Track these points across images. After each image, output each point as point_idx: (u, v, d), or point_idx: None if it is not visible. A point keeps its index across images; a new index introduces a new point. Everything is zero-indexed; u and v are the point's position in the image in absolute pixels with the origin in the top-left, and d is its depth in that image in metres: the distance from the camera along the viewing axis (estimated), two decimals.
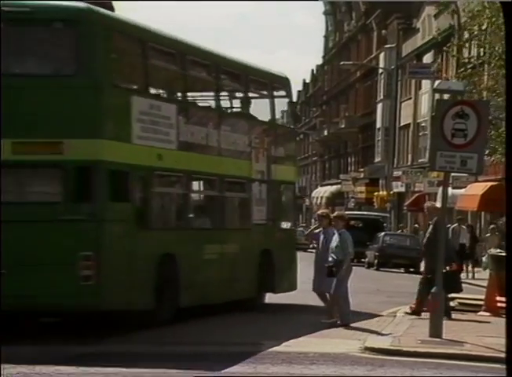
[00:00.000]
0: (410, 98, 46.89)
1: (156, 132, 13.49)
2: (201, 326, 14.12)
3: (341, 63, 53.92)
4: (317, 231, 15.14)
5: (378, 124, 52.66)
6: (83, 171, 12.21)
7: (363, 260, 34.72)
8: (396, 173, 46.11)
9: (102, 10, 12.92)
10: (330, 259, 14.20)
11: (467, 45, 23.61)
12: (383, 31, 53.72)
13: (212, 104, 15.65)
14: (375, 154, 53.31)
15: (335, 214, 15.24)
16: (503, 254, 20.12)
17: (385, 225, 39.85)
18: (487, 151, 19.56)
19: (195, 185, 15.00)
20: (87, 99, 12.33)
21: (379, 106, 52.69)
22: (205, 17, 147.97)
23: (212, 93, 15.73)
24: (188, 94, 15.22)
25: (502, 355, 11.79)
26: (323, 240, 14.79)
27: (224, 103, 16.21)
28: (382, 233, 34.15)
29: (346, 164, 63.71)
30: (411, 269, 31.25)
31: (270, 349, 11.60)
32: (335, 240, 14.26)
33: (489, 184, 31.27)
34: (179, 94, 15.02)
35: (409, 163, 46.22)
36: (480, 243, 29.92)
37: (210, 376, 9.93)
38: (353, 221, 36.67)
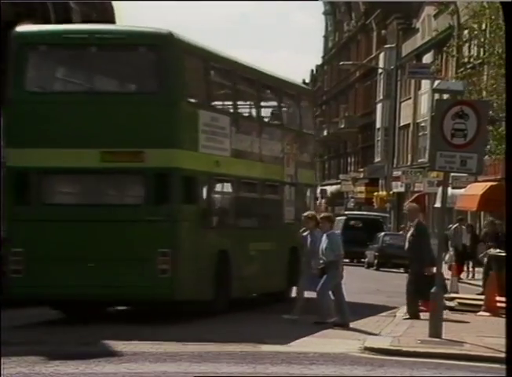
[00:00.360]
0: (409, 98, 46.89)
1: (215, 141, 15.26)
2: (202, 325, 14.15)
3: (341, 63, 53.93)
4: (305, 234, 15.00)
5: (378, 124, 52.67)
6: (161, 177, 13.91)
7: (362, 260, 34.71)
8: (396, 173, 46.11)
9: (179, 35, 14.58)
10: (321, 261, 14.23)
11: (467, 44, 23.62)
12: (383, 31, 53.73)
13: (255, 115, 17.49)
14: (375, 154, 53.32)
15: (322, 215, 15.04)
16: (503, 254, 20.15)
17: (389, 225, 39.86)
18: (487, 151, 19.58)
19: (243, 189, 16.53)
20: (166, 113, 14.07)
21: (379, 106, 52.69)
22: (205, 17, 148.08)
23: (255, 105, 17.50)
24: (238, 107, 16.97)
25: (502, 355, 11.79)
26: (310, 242, 14.80)
27: (264, 114, 18.08)
28: (382, 233, 34.13)
29: (346, 164, 63.71)
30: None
31: (270, 349, 11.61)
32: (324, 242, 14.26)
33: (489, 184, 31.28)
34: (231, 107, 16.62)
35: (409, 163, 46.22)
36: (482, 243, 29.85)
37: (210, 376, 9.93)
38: (353, 221, 36.69)
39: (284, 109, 18.93)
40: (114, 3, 53.04)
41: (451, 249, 26.10)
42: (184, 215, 14.23)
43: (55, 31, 15.05)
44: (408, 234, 15.51)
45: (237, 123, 16.07)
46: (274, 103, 18.40)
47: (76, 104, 13.99)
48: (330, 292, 14.33)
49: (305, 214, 15.25)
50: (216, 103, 16.09)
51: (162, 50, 14.09)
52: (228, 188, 16.08)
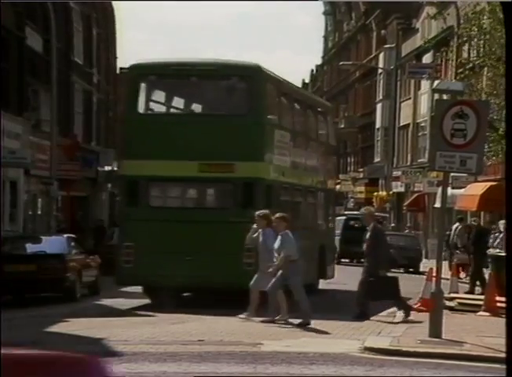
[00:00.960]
0: (409, 98, 46.89)
1: (282, 155, 18.22)
2: (200, 324, 14.15)
3: (341, 63, 53.93)
4: (256, 234, 14.96)
5: (378, 124, 52.67)
6: (248, 185, 16.79)
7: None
8: (396, 173, 46.10)
9: (264, 68, 17.78)
10: (274, 260, 14.20)
11: (466, 45, 23.63)
12: (383, 31, 53.73)
13: (304, 131, 20.41)
14: (375, 154, 53.32)
15: (277, 215, 14.74)
16: (502, 253, 20.17)
17: (389, 225, 39.84)
18: (487, 154, 19.55)
19: (295, 194, 19.38)
20: (253, 132, 17.01)
21: (379, 106, 52.70)
22: (205, 17, 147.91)
23: (305, 124, 20.64)
24: (295, 125, 19.78)
25: (502, 355, 11.79)
26: (262, 241, 14.83)
27: (309, 130, 21.01)
28: None
29: (346, 164, 63.72)
30: (411, 269, 31.24)
31: (270, 349, 11.62)
32: (278, 242, 14.21)
33: (489, 184, 31.26)
34: (290, 125, 19.37)
35: (408, 163, 46.22)
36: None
37: (210, 376, 9.94)
38: (353, 222, 36.65)
39: (318, 124, 21.97)
40: (114, 3, 53.02)
41: (457, 251, 26.13)
42: None
43: (163, 64, 17.76)
44: (366, 237, 15.55)
45: (294, 139, 19.24)
46: (313, 119, 21.39)
47: (179, 123, 17.19)
48: (280, 291, 14.31)
49: (258, 212, 15.14)
50: (282, 122, 18.81)
51: (252, 80, 17.15)
52: (288, 194, 19.00)
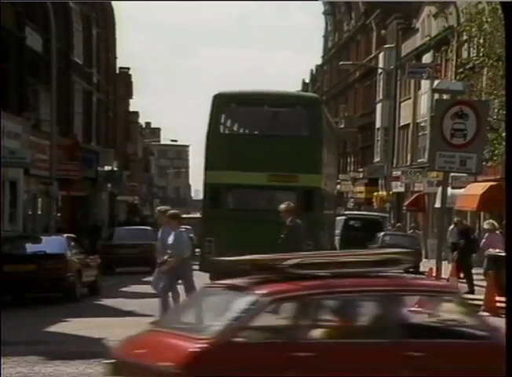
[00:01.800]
0: (409, 98, 46.91)
1: (324, 166, 21.61)
2: None
3: (341, 63, 53.93)
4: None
5: (378, 124, 52.70)
6: (308, 193, 20.32)
7: None
8: (396, 173, 46.12)
9: (320, 98, 23.92)
10: (165, 258, 14.05)
11: (466, 45, 23.62)
12: (382, 31, 53.74)
13: (327, 141, 23.40)
14: (375, 154, 53.34)
15: (168, 212, 14.66)
16: (502, 253, 20.17)
17: (399, 224, 39.87)
18: (486, 155, 19.51)
19: (324, 197, 22.54)
20: (313, 150, 20.70)
21: (379, 106, 52.73)
22: (205, 17, 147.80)
23: (328, 135, 24.02)
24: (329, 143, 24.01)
25: None
26: (159, 238, 14.82)
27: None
28: (382, 233, 34.13)
29: (346, 164, 63.76)
30: (411, 269, 31.26)
31: None
32: (170, 240, 14.08)
33: (489, 184, 31.27)
34: (328, 144, 23.24)
35: (408, 163, 46.23)
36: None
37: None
38: (352, 221, 36.68)
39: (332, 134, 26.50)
40: (113, 3, 52.90)
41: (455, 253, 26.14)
42: (322, 220, 21.58)
43: (241, 94, 21.90)
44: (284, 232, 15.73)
45: (328, 154, 23.04)
46: (329, 129, 24.93)
47: (253, 142, 21.09)
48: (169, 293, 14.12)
49: (159, 208, 15.69)
50: (326, 142, 22.24)
51: (312, 108, 21.20)
52: (329, 199, 24.34)
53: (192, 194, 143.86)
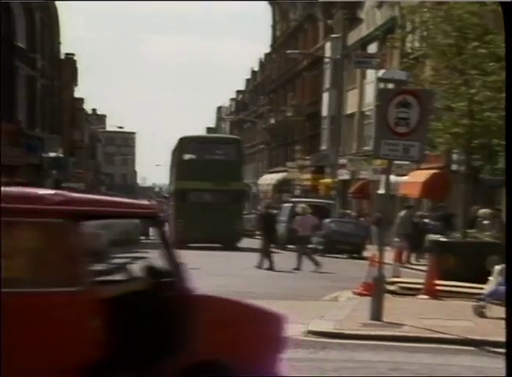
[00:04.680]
0: (355, 87, 47.37)
1: (243, 176, 34.70)
2: None
3: (288, 51, 54.18)
4: None
5: (324, 113, 53.10)
6: (236, 192, 35.86)
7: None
8: (342, 160, 46.60)
9: (240, 138, 43.58)
10: None
11: (410, 36, 23.95)
12: (329, 21, 54.09)
13: None
14: (321, 142, 53.76)
15: None
16: (444, 239, 20.65)
17: (354, 214, 40.39)
18: (430, 143, 19.80)
19: (245, 194, 39.11)
20: (237, 167, 36.34)
21: (325, 95, 53.11)
22: (154, 4, 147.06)
23: None
24: None
25: (439, 335, 12.22)
26: None
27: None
28: (328, 220, 34.55)
29: (293, 152, 64.12)
30: (355, 255, 31.72)
31: None
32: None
33: (431, 171, 31.85)
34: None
35: (354, 151, 46.74)
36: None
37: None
38: (298, 208, 36.99)
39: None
40: (57, 3, 52.06)
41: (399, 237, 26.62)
42: (244, 206, 36.74)
43: (196, 137, 40.18)
44: None
45: (243, 168, 37.63)
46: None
47: (203, 163, 35.74)
48: None
49: None
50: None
51: (236, 144, 38.33)
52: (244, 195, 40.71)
53: (139, 181, 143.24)
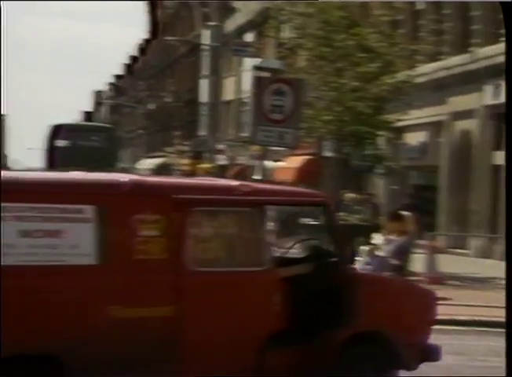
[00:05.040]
0: (233, 75, 48.19)
1: (118, 160, 34.43)
2: None
3: (166, 38, 54.46)
4: None
5: (202, 99, 53.76)
6: None
7: None
8: (220, 146, 47.42)
9: (112, 127, 44.72)
10: None
11: (284, 26, 24.76)
12: (205, 9, 54.64)
13: None
14: (200, 128, 54.47)
15: None
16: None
17: None
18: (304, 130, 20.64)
19: None
20: (110, 152, 36.58)
21: (203, 82, 53.76)
22: None
23: None
24: None
25: None
26: None
27: None
28: None
29: (172, 137, 64.57)
30: None
31: None
32: None
33: (305, 157, 33.07)
34: None
35: (232, 137, 47.65)
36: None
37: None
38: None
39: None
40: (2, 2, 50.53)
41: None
42: None
43: (70, 124, 41.67)
44: None
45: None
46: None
47: (76, 149, 35.14)
48: None
49: None
50: None
51: (109, 132, 40.11)
52: None
53: (9, 164, 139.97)
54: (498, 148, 24.71)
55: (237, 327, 7.28)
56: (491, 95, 24.75)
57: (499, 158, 25.19)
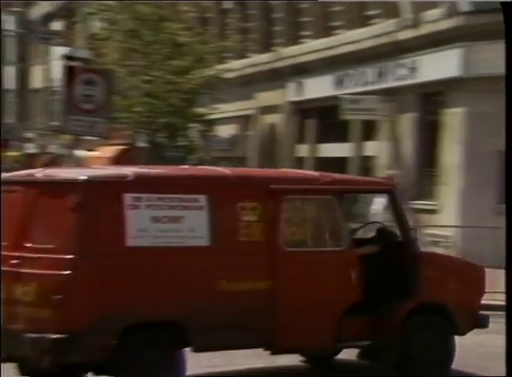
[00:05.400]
0: (41, 63, 47.35)
1: None
2: None
3: None
4: None
5: (9, 86, 52.49)
6: None
7: None
8: (29, 134, 46.54)
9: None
10: None
11: (93, 17, 24.80)
12: None
13: None
14: (7, 115, 53.14)
15: None
16: None
17: None
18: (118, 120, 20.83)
19: None
20: None
21: (9, 68, 52.48)
22: None
23: None
24: None
25: None
26: None
27: None
28: None
29: None
30: None
31: None
32: None
33: (118, 147, 33.18)
34: None
35: (42, 126, 46.86)
36: None
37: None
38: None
39: None
40: None
41: None
42: None
43: None
44: None
45: None
46: None
47: None
48: None
49: None
50: None
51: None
52: None
53: None
54: (301, 142, 25.95)
55: (321, 298, 8.54)
56: (294, 92, 25.93)
57: (302, 150, 26.48)
